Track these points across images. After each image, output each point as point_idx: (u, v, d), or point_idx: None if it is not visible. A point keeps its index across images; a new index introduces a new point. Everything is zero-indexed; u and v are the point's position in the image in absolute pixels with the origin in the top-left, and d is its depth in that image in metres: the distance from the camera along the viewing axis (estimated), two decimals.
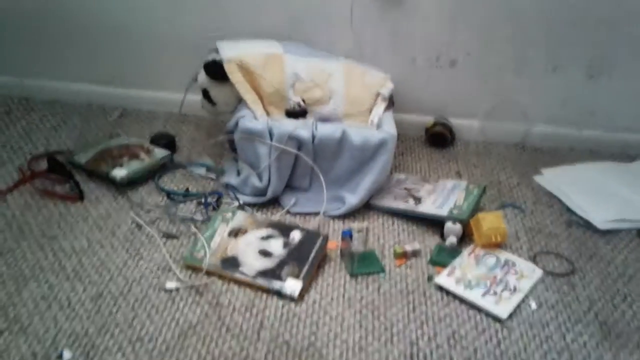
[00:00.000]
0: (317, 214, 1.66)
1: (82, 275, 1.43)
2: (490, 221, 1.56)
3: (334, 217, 1.68)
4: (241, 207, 1.67)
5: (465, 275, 1.47)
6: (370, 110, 1.84)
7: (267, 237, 1.55)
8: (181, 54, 2.02)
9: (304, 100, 1.81)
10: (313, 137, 1.68)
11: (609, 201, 1.78)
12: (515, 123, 2.07)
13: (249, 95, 1.77)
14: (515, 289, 1.44)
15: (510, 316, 1.38)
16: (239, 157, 1.77)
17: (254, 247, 1.52)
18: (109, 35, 2.06)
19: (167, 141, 1.92)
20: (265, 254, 1.50)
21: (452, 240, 1.56)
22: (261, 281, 1.42)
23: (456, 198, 1.68)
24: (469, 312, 1.39)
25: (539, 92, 2.02)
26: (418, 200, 1.71)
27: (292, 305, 1.38)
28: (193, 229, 1.59)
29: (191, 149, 1.95)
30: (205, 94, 1.84)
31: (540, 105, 2.04)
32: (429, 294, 1.44)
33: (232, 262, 1.47)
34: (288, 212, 1.69)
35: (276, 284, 1.41)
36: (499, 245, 1.58)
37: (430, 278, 1.48)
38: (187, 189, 1.74)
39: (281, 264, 1.46)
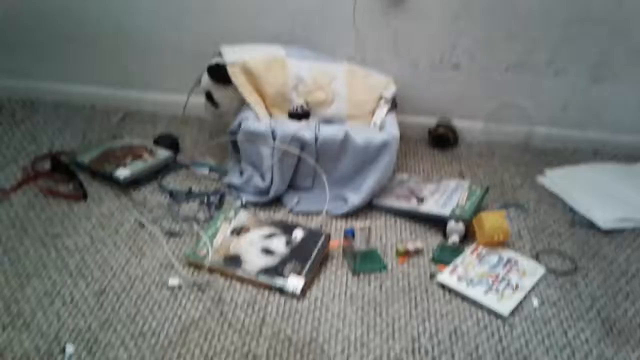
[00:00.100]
0: (319, 213, 1.67)
1: (85, 272, 1.44)
2: (492, 220, 1.56)
3: (336, 217, 1.68)
4: (244, 206, 1.68)
5: (467, 273, 1.47)
6: (373, 113, 1.85)
7: (270, 236, 1.55)
8: (184, 57, 2.03)
9: (307, 103, 1.82)
10: (316, 138, 1.69)
11: (612, 201, 1.77)
12: (518, 124, 2.07)
13: (252, 98, 1.78)
14: (517, 287, 1.44)
15: (512, 313, 1.37)
16: (242, 158, 1.78)
17: (256, 245, 1.52)
18: (112, 38, 2.08)
19: (170, 142, 1.93)
20: (267, 252, 1.50)
21: (454, 239, 1.56)
22: (263, 278, 1.42)
23: (459, 198, 1.68)
24: (471, 309, 1.39)
25: (543, 93, 2.02)
26: (421, 200, 1.71)
27: (294, 301, 1.39)
28: (196, 227, 1.59)
29: (194, 149, 1.96)
30: (209, 96, 1.85)
31: (543, 107, 2.04)
32: (431, 292, 1.44)
33: (234, 260, 1.47)
34: (291, 211, 1.70)
35: (278, 281, 1.41)
36: (501, 244, 1.58)
37: (432, 276, 1.48)
38: (190, 189, 1.75)
39: (283, 262, 1.47)
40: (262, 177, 1.72)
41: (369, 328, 1.32)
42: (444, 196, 1.70)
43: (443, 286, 1.45)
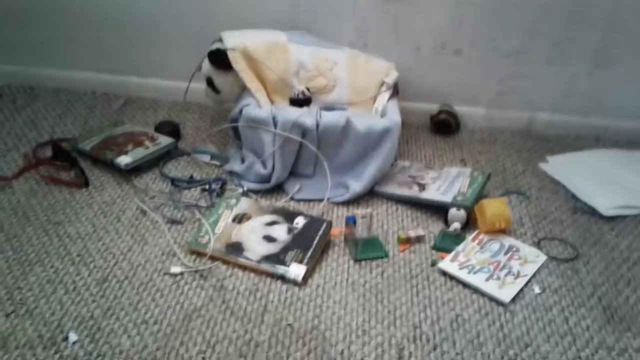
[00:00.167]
0: (321, 200, 1.67)
1: (87, 259, 1.44)
2: (494, 207, 1.56)
3: (338, 204, 1.68)
4: (245, 193, 1.68)
5: (468, 260, 1.48)
6: (375, 99, 1.84)
7: (271, 223, 1.55)
8: (185, 43, 2.02)
9: (308, 89, 1.81)
10: (317, 124, 1.68)
11: (614, 188, 1.77)
12: (520, 110, 2.06)
13: (252, 84, 1.77)
14: (518, 274, 1.45)
15: (513, 300, 1.38)
16: (243, 145, 1.78)
17: (258, 232, 1.52)
18: (113, 24, 2.06)
19: (171, 129, 1.93)
20: (269, 239, 1.50)
21: (456, 226, 1.56)
22: (265, 266, 1.42)
23: (460, 185, 1.68)
24: (472, 296, 1.39)
25: (545, 79, 2.01)
26: (422, 187, 1.71)
27: (296, 289, 1.39)
28: (197, 215, 1.59)
29: (195, 136, 1.96)
30: (210, 82, 1.84)
31: (545, 93, 2.03)
32: (432, 279, 1.44)
33: (236, 248, 1.47)
34: (292, 198, 1.70)
35: (280, 269, 1.42)
36: (502, 232, 1.58)
37: (433, 263, 1.48)
38: (192, 176, 1.75)
39: (285, 249, 1.47)
40: (264, 164, 1.71)
41: (371, 315, 1.33)
42: (446, 183, 1.70)
43: (444, 273, 1.45)
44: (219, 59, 1.77)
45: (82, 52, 2.13)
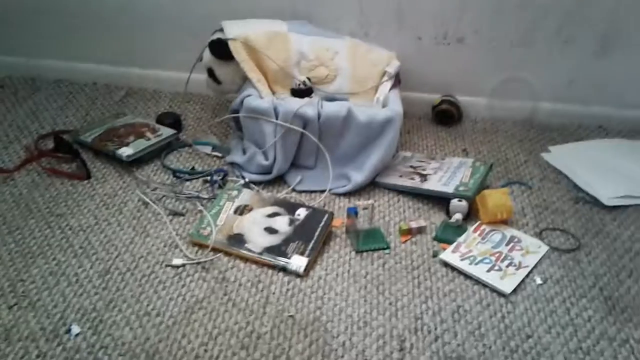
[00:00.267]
0: (322, 191, 1.67)
1: (90, 252, 1.44)
2: (495, 198, 1.56)
3: (339, 195, 1.68)
4: (247, 185, 1.68)
5: (470, 251, 1.48)
6: (376, 89, 1.84)
7: (273, 215, 1.55)
8: (186, 33, 2.01)
9: (309, 79, 1.80)
10: (319, 115, 1.68)
11: (617, 178, 1.77)
12: (523, 100, 2.05)
13: (253, 74, 1.77)
14: (520, 265, 1.45)
15: (515, 291, 1.38)
16: (245, 136, 1.78)
17: (259, 224, 1.52)
18: (114, 15, 2.05)
19: (172, 120, 1.93)
20: (271, 231, 1.50)
21: (457, 217, 1.56)
22: (267, 257, 1.43)
23: (462, 175, 1.68)
24: (474, 287, 1.39)
25: (547, 68, 2.00)
26: (424, 177, 1.70)
27: (298, 281, 1.39)
28: (199, 206, 1.59)
29: (197, 127, 1.96)
30: (211, 73, 1.84)
31: (548, 82, 2.02)
32: (433, 270, 1.44)
33: (238, 239, 1.48)
34: (294, 190, 1.69)
35: (282, 260, 1.42)
36: (504, 222, 1.58)
37: (435, 254, 1.48)
38: (193, 168, 1.75)
39: (287, 241, 1.47)
40: (265, 155, 1.71)
41: (372, 307, 1.33)
42: (448, 174, 1.70)
43: (446, 264, 1.45)
44: (220, 49, 1.77)
45: (83, 43, 2.13)
